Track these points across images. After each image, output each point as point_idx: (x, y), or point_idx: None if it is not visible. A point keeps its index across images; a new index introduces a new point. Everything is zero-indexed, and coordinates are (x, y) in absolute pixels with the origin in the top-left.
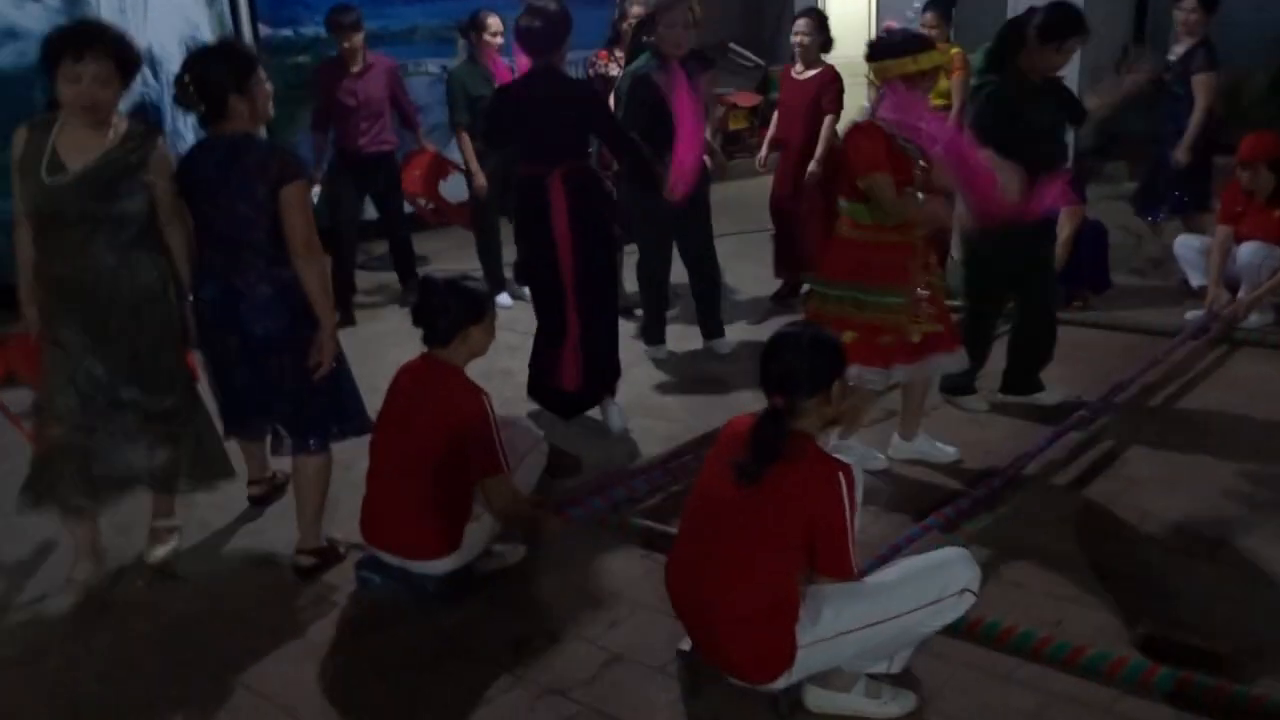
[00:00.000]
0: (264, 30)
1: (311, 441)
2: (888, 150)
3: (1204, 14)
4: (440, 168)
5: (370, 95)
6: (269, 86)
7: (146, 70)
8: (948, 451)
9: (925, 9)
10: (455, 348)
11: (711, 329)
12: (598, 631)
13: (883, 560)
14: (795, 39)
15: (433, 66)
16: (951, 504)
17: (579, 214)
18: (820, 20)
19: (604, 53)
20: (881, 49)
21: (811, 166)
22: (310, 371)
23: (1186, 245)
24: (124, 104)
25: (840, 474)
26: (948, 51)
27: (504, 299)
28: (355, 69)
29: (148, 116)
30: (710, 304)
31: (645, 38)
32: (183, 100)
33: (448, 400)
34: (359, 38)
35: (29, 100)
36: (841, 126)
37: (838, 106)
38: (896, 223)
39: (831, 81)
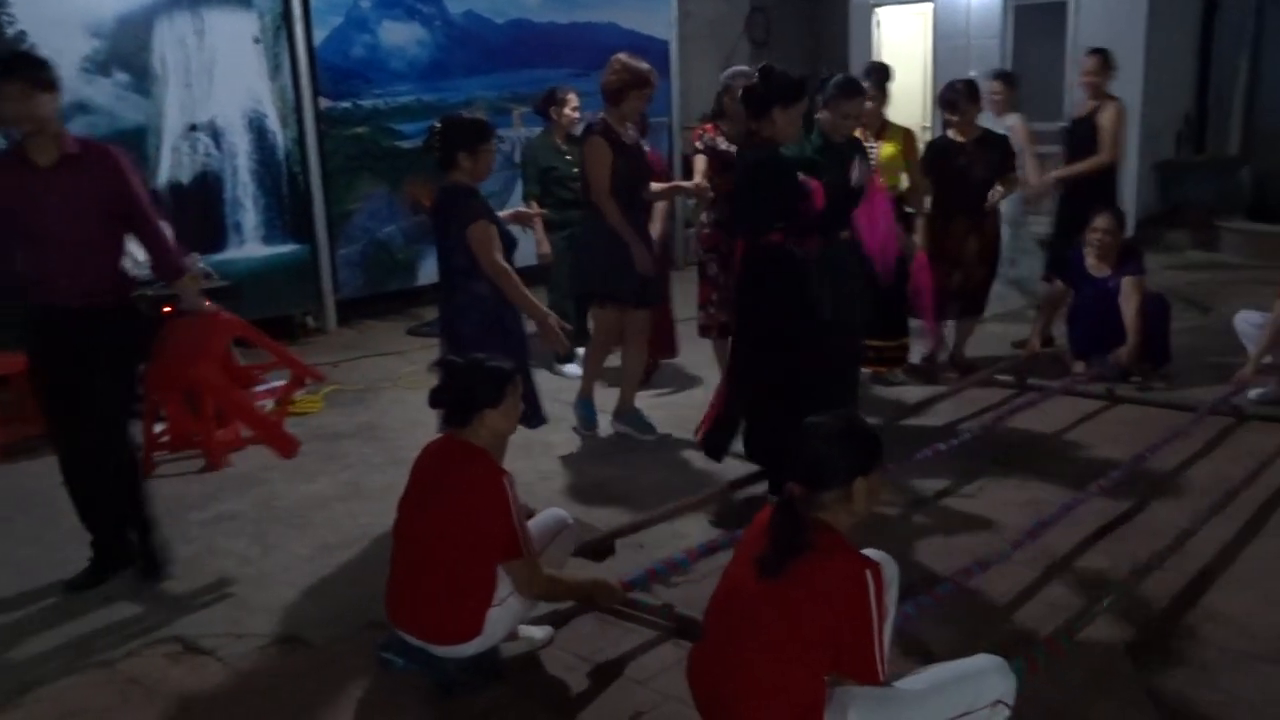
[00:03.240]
0: (324, 103)
1: None
2: None
3: None
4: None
5: None
6: (493, 156)
7: (209, 140)
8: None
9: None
10: (474, 429)
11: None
12: None
13: None
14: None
15: None
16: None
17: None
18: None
19: (710, 126)
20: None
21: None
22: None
23: (1246, 320)
24: (188, 173)
25: (868, 572)
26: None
27: (573, 368)
28: None
29: (208, 184)
30: None
31: (815, 116)
32: (429, 145)
33: (466, 482)
34: None
35: None
36: None
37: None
38: None
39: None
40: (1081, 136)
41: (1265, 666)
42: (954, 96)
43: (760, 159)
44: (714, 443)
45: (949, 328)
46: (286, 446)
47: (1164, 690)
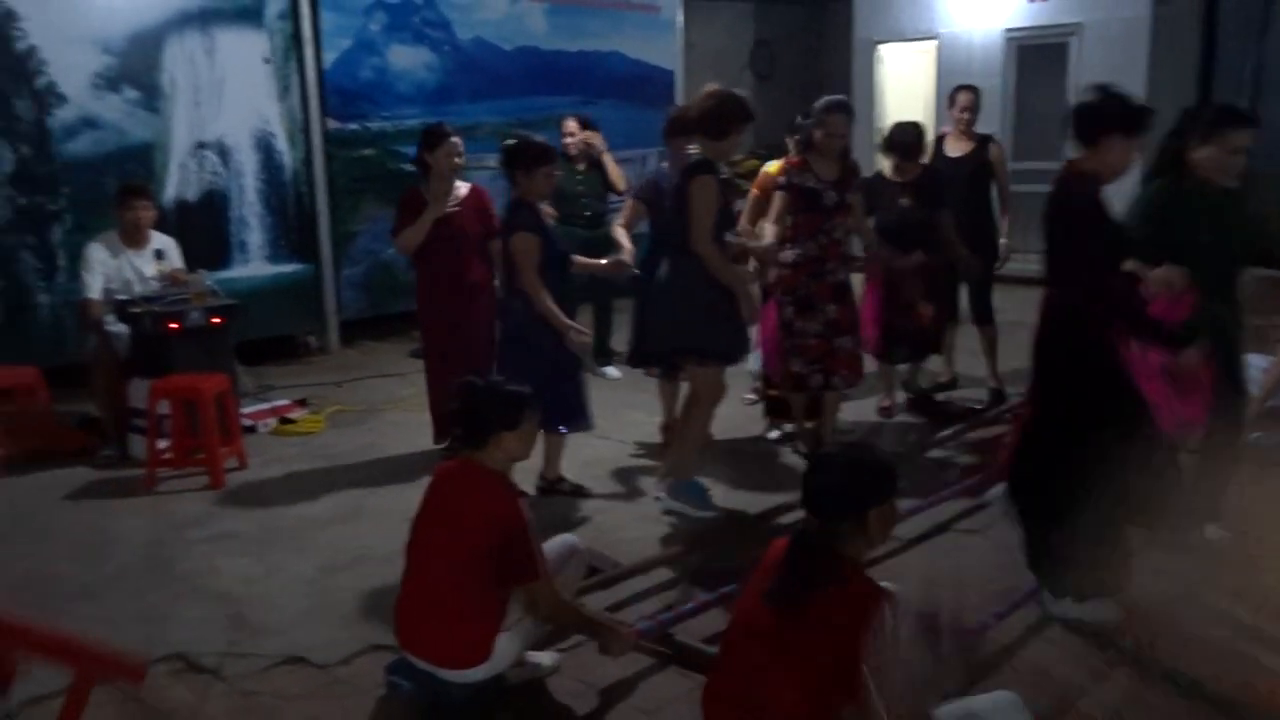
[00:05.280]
0: (331, 124)
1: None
2: None
3: None
4: None
5: None
6: (551, 178)
7: (216, 158)
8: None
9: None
10: (490, 452)
11: None
12: None
13: None
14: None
15: (492, 161)
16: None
17: None
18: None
19: (797, 160)
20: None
21: None
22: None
23: (1251, 364)
24: (195, 191)
25: (884, 603)
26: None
27: (613, 370)
28: None
29: (214, 202)
30: None
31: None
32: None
33: (482, 505)
34: None
35: (102, 185)
36: None
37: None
38: None
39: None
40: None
41: None
42: (908, 140)
43: (1155, 196)
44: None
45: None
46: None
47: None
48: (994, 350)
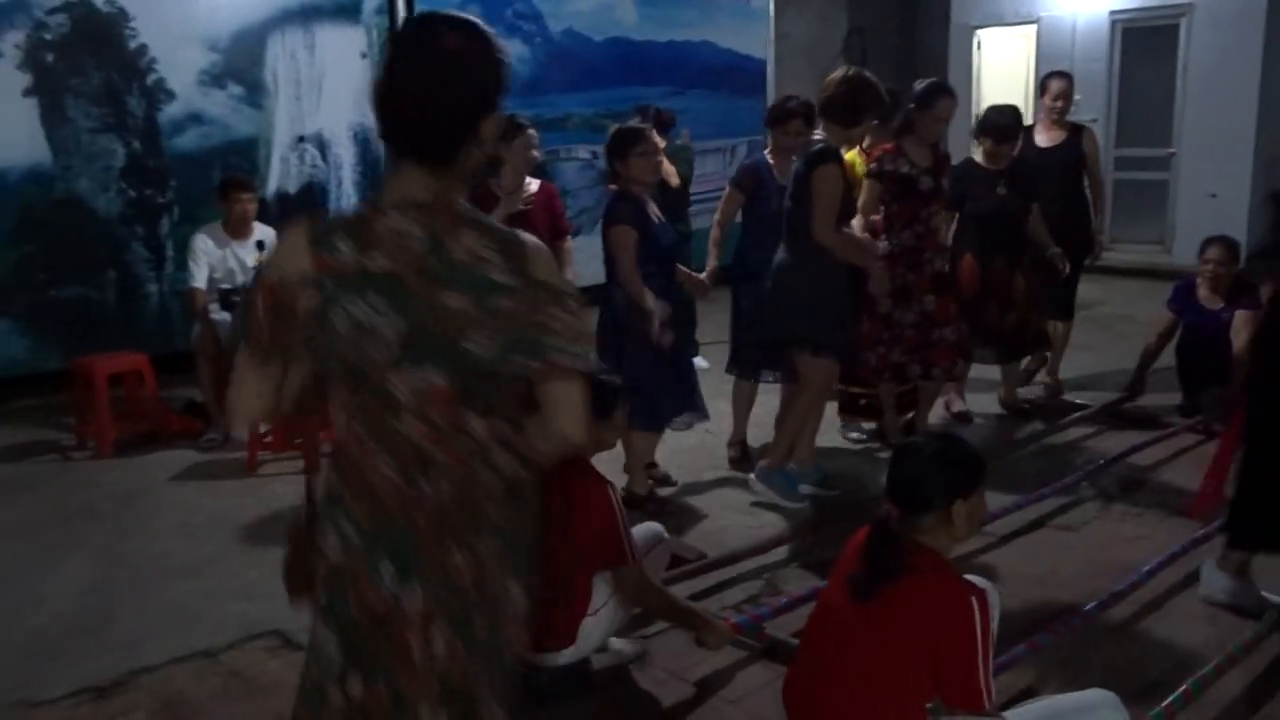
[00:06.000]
0: None
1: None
2: None
3: None
4: None
5: None
6: (653, 162)
7: (315, 152)
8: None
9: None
10: None
11: None
12: None
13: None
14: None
15: (583, 152)
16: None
17: None
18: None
19: (890, 146)
20: None
21: None
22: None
23: None
24: (295, 183)
25: (973, 599)
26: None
27: (700, 360)
28: None
29: (313, 194)
30: None
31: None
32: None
33: (572, 492)
34: None
35: (208, 178)
36: None
37: None
38: None
39: None
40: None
41: None
42: (1004, 122)
43: None
44: (1246, 532)
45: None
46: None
47: None
48: (1063, 349)
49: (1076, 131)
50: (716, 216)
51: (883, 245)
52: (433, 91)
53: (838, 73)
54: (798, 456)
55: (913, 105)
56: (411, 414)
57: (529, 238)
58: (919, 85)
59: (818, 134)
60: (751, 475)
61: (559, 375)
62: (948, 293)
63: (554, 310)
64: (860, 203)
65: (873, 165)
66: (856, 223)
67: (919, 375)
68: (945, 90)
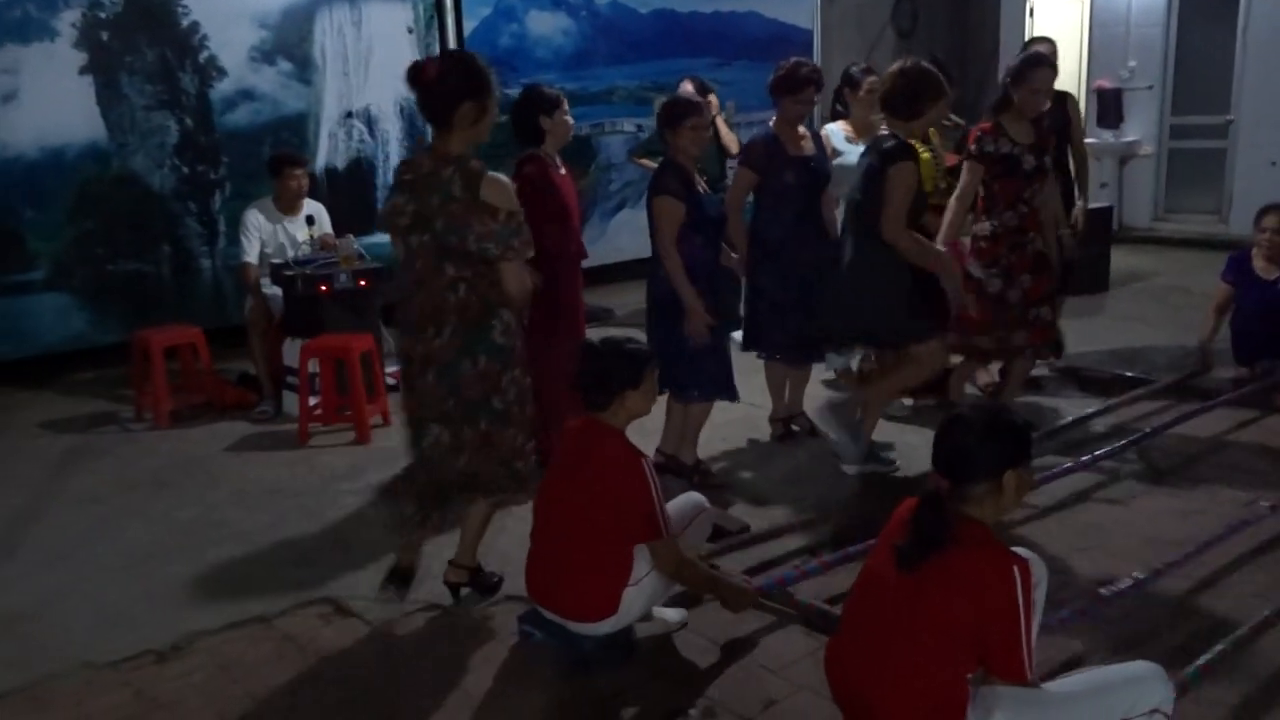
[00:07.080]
0: None
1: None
2: None
3: None
4: None
5: None
6: (704, 136)
7: (363, 127)
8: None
9: None
10: (614, 411)
11: None
12: (753, 710)
13: None
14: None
15: (628, 125)
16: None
17: None
18: None
19: (988, 126)
20: None
21: None
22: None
23: None
24: (343, 159)
25: (1015, 569)
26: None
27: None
28: None
29: (361, 170)
30: None
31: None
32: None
33: (606, 464)
34: None
35: (259, 154)
36: None
37: None
38: None
39: None
40: None
41: None
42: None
43: None
44: None
45: None
46: None
47: None
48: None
49: (1061, 99)
50: (729, 199)
51: (984, 227)
52: (433, 90)
53: (895, 65)
54: (866, 425)
55: (1008, 79)
56: (418, 257)
57: (492, 174)
58: (1017, 58)
59: (879, 124)
60: (829, 417)
61: (499, 259)
62: (1043, 271)
63: (483, 218)
64: (960, 188)
65: (972, 147)
66: (952, 203)
67: (1020, 346)
68: (1042, 60)
